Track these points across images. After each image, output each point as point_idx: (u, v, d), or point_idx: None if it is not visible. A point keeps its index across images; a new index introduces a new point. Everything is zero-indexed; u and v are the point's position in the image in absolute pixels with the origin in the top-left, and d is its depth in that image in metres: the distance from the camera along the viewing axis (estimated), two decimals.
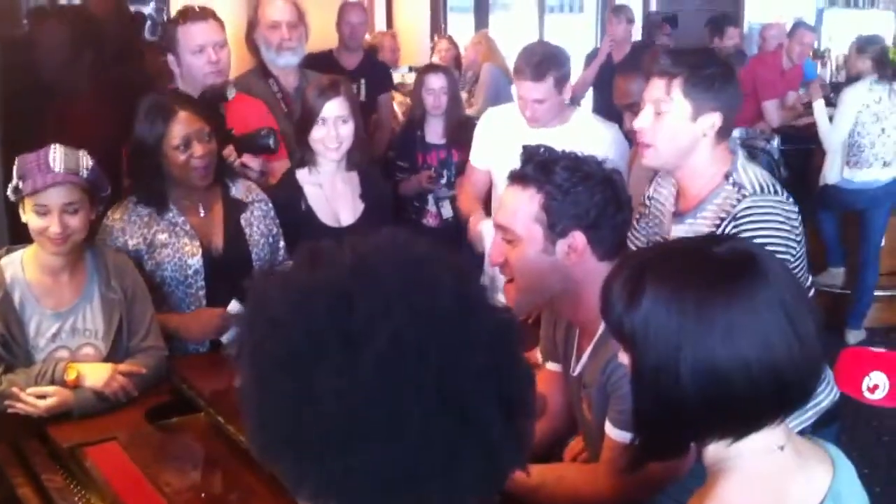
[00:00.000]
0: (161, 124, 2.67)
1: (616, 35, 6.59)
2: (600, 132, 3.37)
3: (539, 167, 1.91)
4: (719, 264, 1.26)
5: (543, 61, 3.24)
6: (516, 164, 1.98)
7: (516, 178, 1.96)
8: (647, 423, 1.31)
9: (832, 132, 5.24)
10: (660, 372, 1.25)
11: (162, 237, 2.71)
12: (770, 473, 1.27)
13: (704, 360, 1.21)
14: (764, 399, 1.23)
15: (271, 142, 3.18)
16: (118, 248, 2.64)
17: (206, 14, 3.30)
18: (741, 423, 1.25)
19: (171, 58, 3.32)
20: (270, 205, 2.95)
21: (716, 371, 1.21)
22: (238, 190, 2.88)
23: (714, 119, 2.23)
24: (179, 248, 2.72)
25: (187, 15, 3.31)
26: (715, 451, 1.28)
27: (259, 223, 2.88)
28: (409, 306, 0.89)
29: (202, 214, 2.80)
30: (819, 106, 5.34)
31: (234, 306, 2.58)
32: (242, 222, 2.84)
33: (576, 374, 2.04)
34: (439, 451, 0.88)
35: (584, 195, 1.89)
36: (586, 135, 3.20)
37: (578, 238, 1.91)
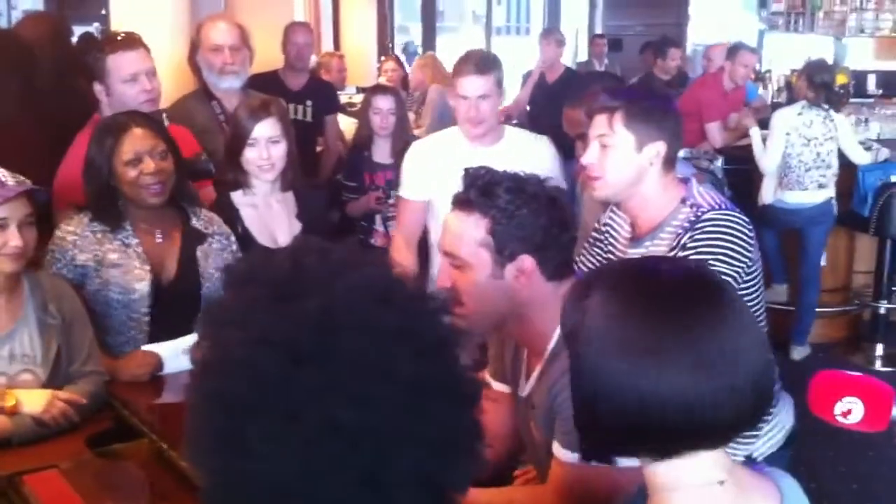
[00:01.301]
0: (111, 141, 2.62)
1: (547, 57, 6.74)
2: (537, 145, 3.42)
3: (482, 191, 1.89)
4: (668, 290, 1.24)
5: (485, 58, 3.29)
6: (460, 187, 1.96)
7: (460, 202, 1.94)
8: (578, 425, 1.30)
9: (764, 156, 5.33)
10: (582, 378, 1.24)
11: (113, 256, 2.65)
12: None
13: (625, 378, 1.20)
14: (662, 434, 1.20)
15: (211, 166, 3.15)
16: (60, 268, 2.59)
17: (135, 42, 3.22)
18: (650, 450, 1.23)
19: (97, 87, 3.20)
20: (233, 239, 2.88)
21: (628, 394, 1.19)
22: (199, 220, 2.82)
23: (658, 148, 2.28)
24: (129, 270, 2.65)
25: (116, 43, 3.22)
26: (652, 474, 1.26)
27: (216, 256, 2.80)
28: (353, 391, 0.83)
29: (159, 240, 2.74)
30: (753, 131, 5.45)
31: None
32: (199, 254, 2.77)
33: (524, 395, 2.04)
34: None
35: (530, 218, 1.88)
36: (526, 149, 3.25)
37: (527, 261, 1.89)
